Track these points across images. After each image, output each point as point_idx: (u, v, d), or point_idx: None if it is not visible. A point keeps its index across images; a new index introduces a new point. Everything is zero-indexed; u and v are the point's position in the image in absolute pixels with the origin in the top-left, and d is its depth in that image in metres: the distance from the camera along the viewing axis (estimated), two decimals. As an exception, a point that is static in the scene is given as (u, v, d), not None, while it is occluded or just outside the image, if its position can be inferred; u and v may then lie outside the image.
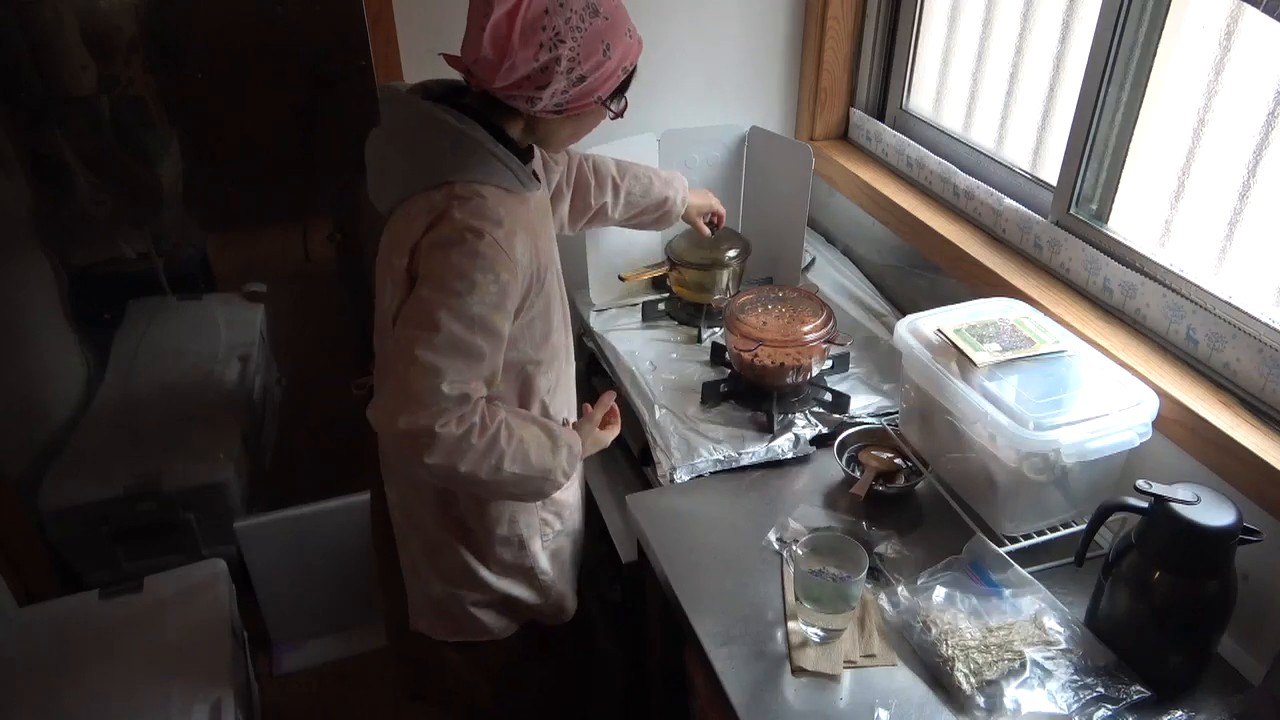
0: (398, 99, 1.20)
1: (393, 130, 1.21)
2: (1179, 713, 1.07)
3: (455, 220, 1.12)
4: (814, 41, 2.00)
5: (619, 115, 1.25)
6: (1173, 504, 1.04)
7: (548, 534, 1.44)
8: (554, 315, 1.31)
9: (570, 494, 1.47)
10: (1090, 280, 1.46)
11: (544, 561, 1.45)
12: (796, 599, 1.18)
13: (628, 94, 1.25)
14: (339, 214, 2.08)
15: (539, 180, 1.28)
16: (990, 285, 1.54)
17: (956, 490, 1.37)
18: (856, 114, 2.07)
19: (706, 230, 1.76)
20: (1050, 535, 1.29)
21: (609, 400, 1.43)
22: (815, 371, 1.59)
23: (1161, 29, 1.31)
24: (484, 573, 1.40)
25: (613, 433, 1.43)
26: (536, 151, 1.35)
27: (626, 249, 1.89)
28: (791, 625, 1.19)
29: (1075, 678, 1.09)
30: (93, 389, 2.10)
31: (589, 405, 1.43)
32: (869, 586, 1.22)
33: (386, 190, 1.22)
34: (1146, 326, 1.37)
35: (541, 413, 1.35)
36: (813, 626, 1.17)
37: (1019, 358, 1.29)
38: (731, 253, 1.82)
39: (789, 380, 1.57)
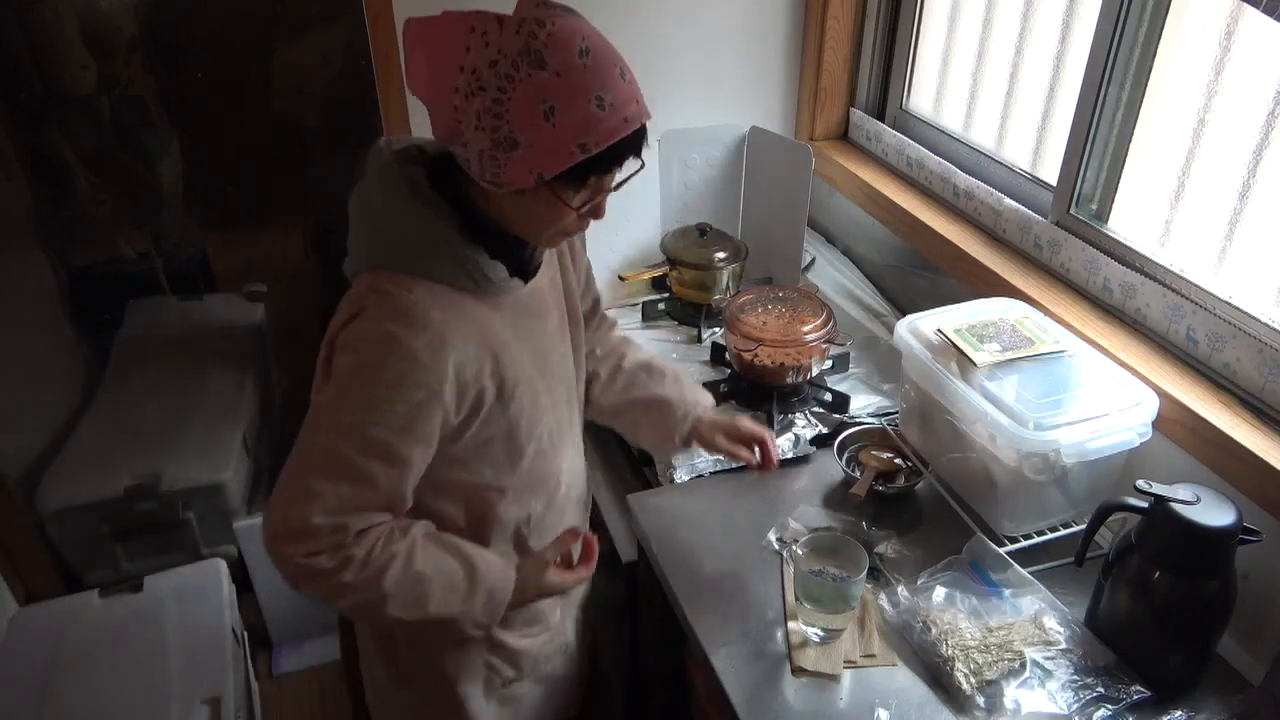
0: (373, 155, 1.00)
1: (358, 193, 1.01)
2: (1179, 713, 1.07)
3: (369, 320, 0.93)
4: (814, 41, 2.00)
5: (582, 215, 0.97)
6: (1173, 504, 1.04)
7: (495, 681, 1.22)
8: (531, 438, 1.09)
9: (536, 642, 1.24)
10: (1090, 280, 1.46)
11: (484, 713, 1.22)
12: (796, 599, 1.18)
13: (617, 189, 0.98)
14: (333, 213, 2.08)
15: (524, 275, 1.04)
16: (990, 285, 1.54)
17: (956, 490, 1.37)
18: (856, 114, 2.07)
19: (747, 455, 1.29)
20: (1050, 535, 1.29)
21: (575, 540, 1.18)
22: (815, 371, 1.59)
23: (1161, 29, 1.31)
24: (405, 695, 1.21)
25: (579, 576, 1.16)
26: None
27: (626, 249, 1.89)
28: (791, 625, 1.19)
29: (1075, 678, 1.09)
30: (93, 389, 2.11)
31: (581, 533, 1.18)
32: (869, 586, 1.22)
33: (347, 262, 1.03)
34: (1146, 326, 1.37)
35: (517, 549, 1.16)
36: (813, 626, 1.16)
37: (1019, 358, 1.29)
38: (720, 255, 1.81)
39: (789, 380, 1.57)
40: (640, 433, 1.33)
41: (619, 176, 0.97)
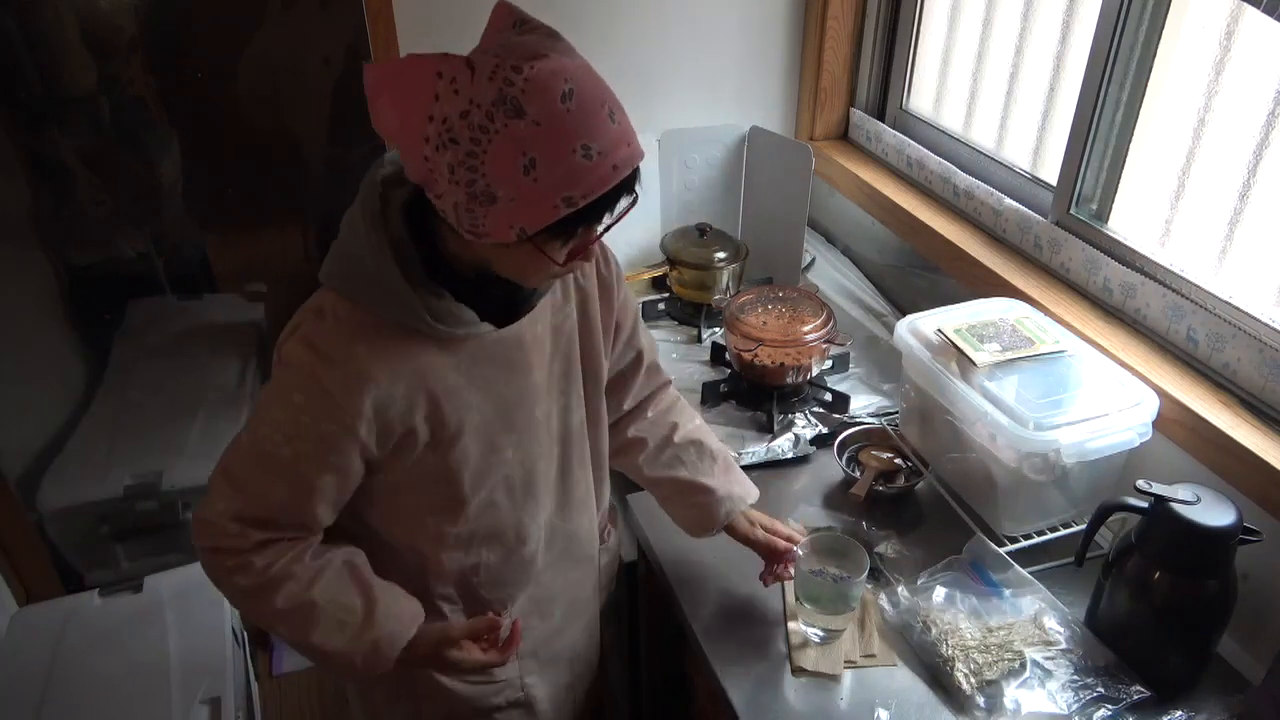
0: (372, 167, 0.95)
1: (348, 210, 0.95)
2: (1179, 713, 1.07)
3: (298, 341, 0.91)
4: (814, 41, 2.00)
5: (565, 267, 0.90)
6: (1173, 504, 1.04)
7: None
8: (480, 488, 1.03)
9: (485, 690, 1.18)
10: (1090, 280, 1.46)
11: None
12: (797, 599, 1.18)
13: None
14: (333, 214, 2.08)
15: (504, 319, 0.97)
16: (990, 285, 1.54)
17: (956, 490, 1.37)
18: (856, 114, 2.07)
19: (784, 549, 1.20)
20: (1050, 535, 1.29)
21: (490, 625, 1.07)
22: (815, 371, 1.59)
23: (1161, 29, 1.31)
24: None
25: (482, 661, 1.06)
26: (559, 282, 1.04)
27: (626, 249, 1.89)
28: (791, 625, 1.19)
29: (1075, 678, 1.09)
30: (93, 389, 2.10)
31: (501, 622, 1.08)
32: (869, 587, 1.22)
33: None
34: (1146, 326, 1.37)
35: (464, 597, 1.11)
36: (813, 627, 1.16)
37: (1019, 358, 1.29)
38: (720, 255, 1.81)
39: (789, 380, 1.57)
40: (677, 511, 1.26)
41: (608, 219, 0.89)
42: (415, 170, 0.85)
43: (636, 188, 0.88)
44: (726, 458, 1.27)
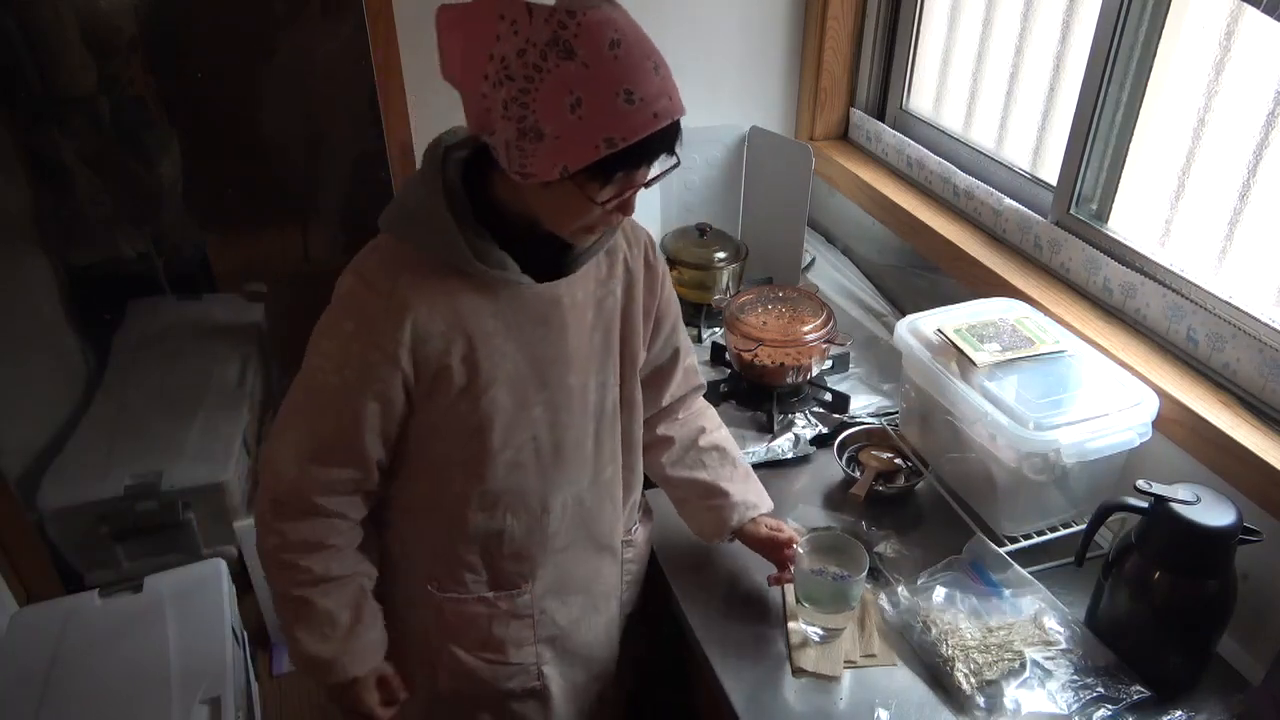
0: (441, 135, 1.01)
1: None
2: (1179, 713, 1.07)
3: (350, 272, 0.98)
4: (814, 41, 2.00)
5: (609, 211, 0.94)
6: (1173, 504, 1.04)
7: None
8: (507, 445, 1.05)
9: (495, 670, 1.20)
10: (1090, 280, 1.46)
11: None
12: (797, 599, 1.18)
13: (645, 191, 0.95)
14: (333, 213, 2.08)
15: (548, 275, 1.01)
16: (990, 285, 1.54)
17: (956, 490, 1.37)
18: (856, 114, 2.07)
19: (783, 578, 1.22)
20: (1050, 535, 1.29)
21: (397, 693, 1.14)
22: (815, 371, 1.59)
23: (1161, 29, 1.31)
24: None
25: (379, 711, 1.13)
26: (606, 244, 1.06)
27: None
28: (791, 625, 1.19)
29: (1075, 678, 1.09)
30: (93, 389, 2.11)
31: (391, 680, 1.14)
32: (869, 586, 1.22)
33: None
34: (1146, 326, 1.37)
35: (488, 565, 1.13)
36: (813, 626, 1.16)
37: (1019, 358, 1.29)
38: (720, 255, 1.81)
39: (789, 380, 1.57)
40: (692, 513, 1.28)
41: (651, 173, 0.94)
42: (473, 111, 0.91)
43: (678, 149, 0.92)
44: (747, 468, 1.30)
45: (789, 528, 1.25)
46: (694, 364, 1.30)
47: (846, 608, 1.15)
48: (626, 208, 0.96)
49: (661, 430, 1.27)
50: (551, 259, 1.02)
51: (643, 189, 0.95)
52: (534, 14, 0.84)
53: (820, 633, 1.16)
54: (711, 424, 1.31)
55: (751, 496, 1.25)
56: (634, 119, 0.86)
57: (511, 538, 1.12)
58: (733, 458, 1.28)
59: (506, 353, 1.02)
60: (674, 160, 0.94)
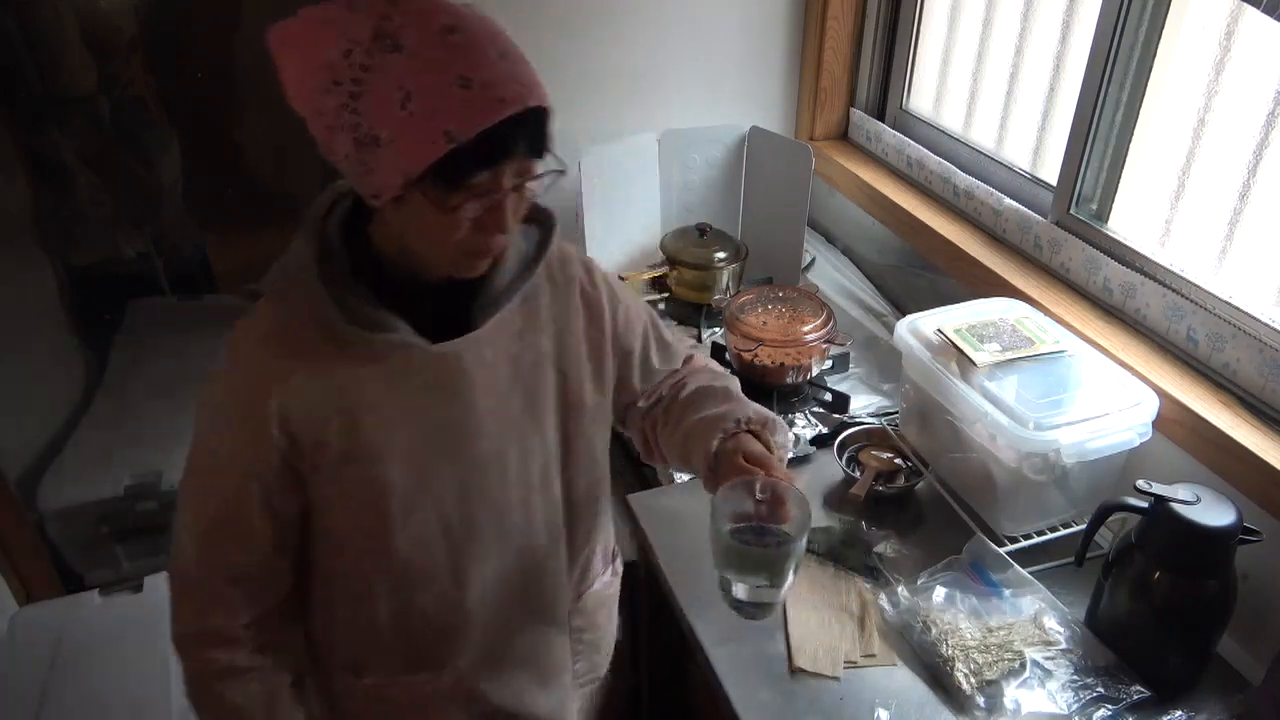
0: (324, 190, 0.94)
1: None
2: (1179, 713, 1.07)
3: (229, 335, 0.91)
4: (814, 41, 2.00)
5: (476, 236, 0.82)
6: (1173, 504, 1.04)
7: None
8: (407, 520, 0.94)
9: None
10: (1090, 280, 1.46)
11: None
12: (716, 566, 0.96)
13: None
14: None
15: (444, 335, 0.90)
16: (990, 285, 1.54)
17: (956, 490, 1.37)
18: (856, 114, 2.07)
19: (756, 502, 0.95)
20: (1050, 535, 1.29)
21: None
22: (815, 371, 1.59)
23: (1161, 29, 1.31)
24: None
25: None
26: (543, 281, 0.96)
27: (626, 249, 1.88)
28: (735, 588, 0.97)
29: (1075, 678, 1.09)
30: (93, 389, 2.10)
31: None
32: (868, 587, 1.22)
33: None
34: (1146, 326, 1.37)
35: (414, 661, 1.03)
36: (741, 585, 0.96)
37: (1019, 358, 1.29)
38: (720, 255, 1.81)
39: (789, 380, 1.57)
40: (688, 452, 1.05)
41: (533, 174, 0.82)
42: (317, 135, 0.80)
43: (558, 153, 0.82)
44: (726, 391, 1.10)
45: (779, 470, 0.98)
46: (677, 349, 1.15)
47: (778, 580, 0.92)
48: (498, 221, 0.82)
49: (647, 411, 1.14)
50: (459, 315, 0.91)
51: (531, 196, 0.83)
52: (354, 8, 0.76)
53: (749, 597, 0.95)
54: (692, 375, 1.13)
55: (739, 410, 1.03)
56: (474, 106, 0.74)
57: (424, 615, 1.00)
58: (717, 391, 1.08)
59: (396, 422, 0.90)
60: (559, 167, 0.82)
